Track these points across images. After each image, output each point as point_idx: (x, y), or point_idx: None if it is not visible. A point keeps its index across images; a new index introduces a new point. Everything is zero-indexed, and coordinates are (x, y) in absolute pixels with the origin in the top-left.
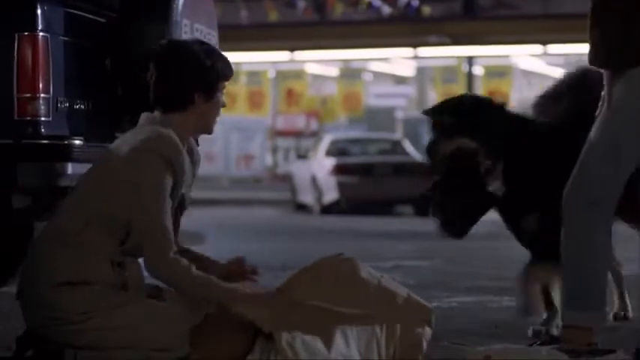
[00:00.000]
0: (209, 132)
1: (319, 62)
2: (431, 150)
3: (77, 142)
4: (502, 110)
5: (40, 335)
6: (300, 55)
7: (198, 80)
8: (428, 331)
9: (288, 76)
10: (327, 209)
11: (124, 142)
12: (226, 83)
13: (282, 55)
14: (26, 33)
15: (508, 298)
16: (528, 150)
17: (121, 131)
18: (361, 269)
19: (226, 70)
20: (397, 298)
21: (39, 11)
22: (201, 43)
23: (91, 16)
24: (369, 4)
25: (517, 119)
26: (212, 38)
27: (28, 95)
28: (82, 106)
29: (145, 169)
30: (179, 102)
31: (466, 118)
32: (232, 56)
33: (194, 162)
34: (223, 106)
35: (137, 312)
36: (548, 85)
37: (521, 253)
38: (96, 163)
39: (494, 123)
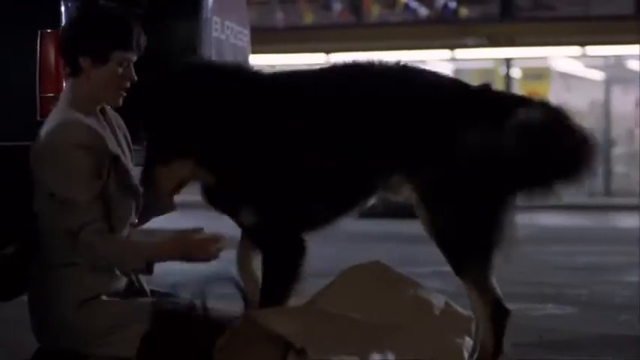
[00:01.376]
0: (111, 103)
1: None
2: None
3: None
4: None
5: (58, 351)
6: (336, 57)
7: (79, 43)
8: (468, 341)
9: None
10: (363, 212)
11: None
12: (128, 55)
13: (317, 58)
14: (49, 30)
15: (552, 305)
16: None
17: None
18: (396, 277)
19: (120, 39)
20: (434, 307)
21: (63, 7)
22: (118, 9)
23: None
24: (406, 6)
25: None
26: (243, 37)
27: (52, 95)
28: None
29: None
30: (68, 64)
31: None
32: (268, 59)
33: (119, 129)
34: (130, 79)
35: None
36: (586, 87)
37: (563, 259)
38: None
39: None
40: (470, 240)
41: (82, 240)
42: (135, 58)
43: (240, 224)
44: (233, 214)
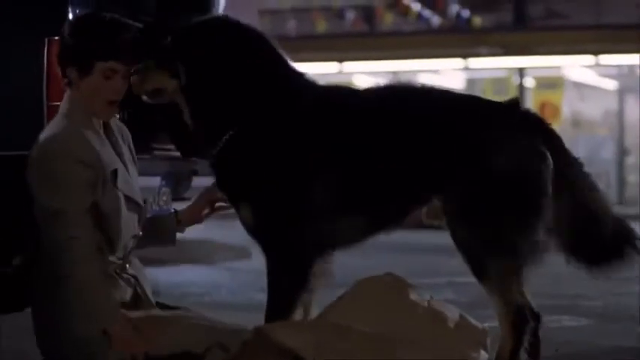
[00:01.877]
0: (102, 117)
1: (368, 74)
2: None
3: None
4: None
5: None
6: (349, 66)
7: (66, 53)
8: (484, 355)
9: None
10: None
11: None
12: (115, 64)
13: (330, 67)
14: (57, 37)
15: (568, 317)
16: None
17: (158, 142)
18: (410, 290)
19: (103, 51)
20: (448, 320)
21: (70, 14)
22: (113, 19)
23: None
24: (419, 15)
25: None
26: None
27: (59, 103)
28: (117, 116)
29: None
30: (63, 76)
31: None
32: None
33: (124, 140)
34: (117, 91)
35: None
36: (600, 96)
37: (577, 269)
38: None
39: None
40: (497, 248)
41: (68, 253)
42: (122, 68)
43: (250, 224)
44: (244, 208)
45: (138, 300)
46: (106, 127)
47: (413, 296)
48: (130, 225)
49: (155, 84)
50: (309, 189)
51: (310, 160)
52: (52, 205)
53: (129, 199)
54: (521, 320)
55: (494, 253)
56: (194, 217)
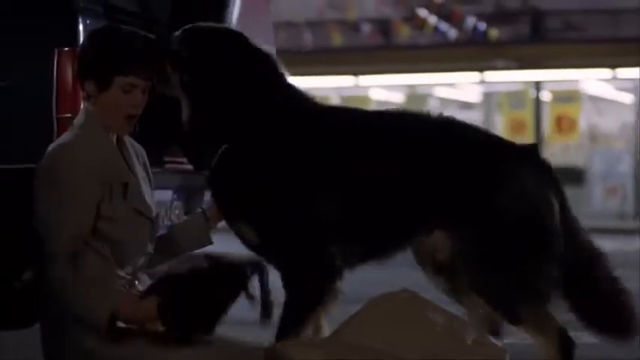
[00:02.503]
0: (118, 131)
1: (384, 87)
2: None
3: None
4: None
5: None
6: (365, 80)
7: (85, 67)
8: None
9: (352, 102)
10: None
11: None
12: (134, 79)
13: (346, 80)
14: (66, 48)
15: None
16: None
17: (170, 155)
18: (426, 306)
19: (123, 66)
20: (466, 337)
21: (81, 25)
22: (130, 33)
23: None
24: (435, 28)
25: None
26: None
27: (69, 116)
28: None
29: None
30: (81, 88)
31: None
32: (296, 81)
33: (137, 155)
34: (137, 106)
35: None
36: (616, 110)
37: None
38: None
39: None
40: (517, 293)
41: (55, 271)
42: (141, 82)
43: (254, 242)
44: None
45: None
46: (120, 143)
47: (429, 313)
48: (139, 240)
49: (161, 72)
50: (309, 204)
51: (309, 175)
52: (48, 219)
53: (140, 214)
54: (568, 344)
55: (525, 299)
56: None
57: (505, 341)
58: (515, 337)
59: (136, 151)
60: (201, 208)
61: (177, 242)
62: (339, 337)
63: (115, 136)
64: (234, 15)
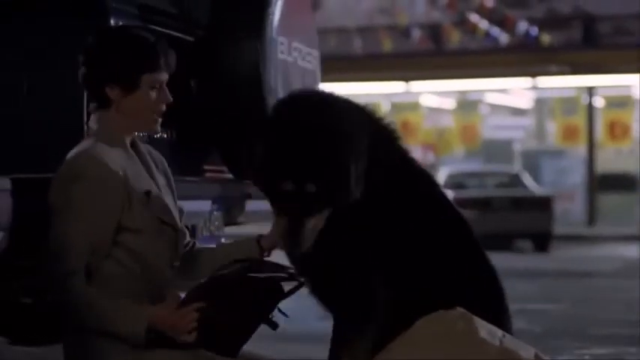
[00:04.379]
0: (147, 130)
1: (435, 94)
2: None
3: None
4: None
5: None
6: (416, 86)
7: (104, 71)
8: None
9: (403, 108)
10: None
11: None
12: (159, 76)
13: (396, 87)
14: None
15: (635, 349)
16: None
17: (208, 163)
18: (480, 327)
19: (148, 61)
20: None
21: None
22: (137, 29)
23: (176, 34)
24: (487, 33)
25: None
26: (312, 59)
27: None
28: (165, 136)
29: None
30: (94, 97)
31: None
32: (345, 87)
33: (157, 163)
34: (166, 101)
35: None
36: None
37: None
38: None
39: None
40: None
41: (69, 288)
42: (166, 77)
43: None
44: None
45: None
46: (137, 151)
47: (483, 334)
48: (164, 251)
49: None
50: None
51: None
52: (65, 233)
53: (164, 223)
54: None
55: None
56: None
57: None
58: (570, 352)
59: (154, 158)
60: (258, 236)
61: (222, 263)
62: (390, 357)
63: (128, 143)
64: (276, 17)
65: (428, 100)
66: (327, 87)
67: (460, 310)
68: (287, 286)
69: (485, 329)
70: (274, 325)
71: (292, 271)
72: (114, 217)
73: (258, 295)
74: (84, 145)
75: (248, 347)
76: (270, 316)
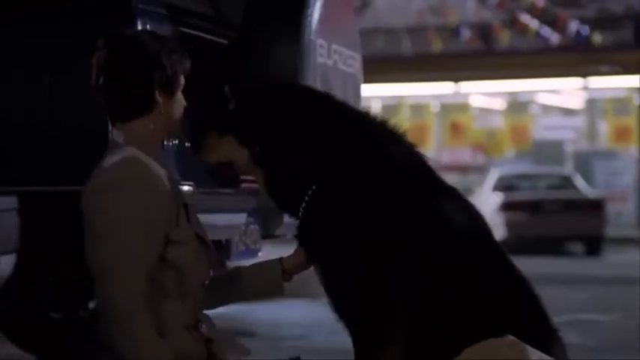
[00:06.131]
0: (174, 130)
1: (484, 94)
2: None
3: (186, 187)
4: None
5: None
6: (465, 86)
7: (157, 74)
8: None
9: (452, 109)
10: None
11: None
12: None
13: (446, 87)
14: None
15: None
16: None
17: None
18: (530, 355)
19: (185, 62)
20: None
21: (140, 28)
22: (150, 32)
23: (209, 37)
24: (537, 33)
25: None
26: (354, 62)
27: None
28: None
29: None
30: (140, 103)
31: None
32: (395, 88)
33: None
34: (184, 105)
35: None
36: None
37: None
38: None
39: None
40: None
41: (111, 313)
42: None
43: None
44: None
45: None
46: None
47: None
48: (201, 266)
49: (223, 156)
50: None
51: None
52: (99, 258)
53: (199, 237)
54: None
55: None
56: (302, 263)
57: None
58: None
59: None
60: (280, 258)
61: (242, 288)
62: None
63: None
64: (315, 19)
65: (477, 101)
66: (374, 88)
67: (511, 338)
68: None
69: (537, 356)
70: None
71: None
72: (163, 236)
73: None
74: (123, 152)
75: None
76: None
